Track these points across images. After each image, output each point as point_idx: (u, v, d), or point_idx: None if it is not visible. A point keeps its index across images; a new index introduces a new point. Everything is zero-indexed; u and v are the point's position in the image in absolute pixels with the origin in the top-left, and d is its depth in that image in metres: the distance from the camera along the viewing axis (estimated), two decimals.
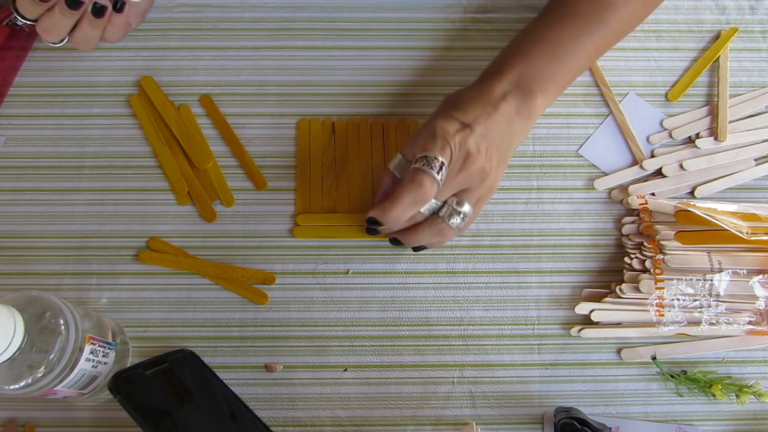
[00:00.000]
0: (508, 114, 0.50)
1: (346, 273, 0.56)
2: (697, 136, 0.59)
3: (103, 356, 0.48)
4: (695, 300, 0.54)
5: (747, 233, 0.52)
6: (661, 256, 0.54)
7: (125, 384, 0.45)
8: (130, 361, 0.53)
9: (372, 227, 0.51)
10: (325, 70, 0.61)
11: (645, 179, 0.59)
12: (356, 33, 0.62)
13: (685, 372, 0.54)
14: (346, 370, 0.54)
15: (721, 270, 0.54)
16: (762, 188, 0.59)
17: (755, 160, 0.59)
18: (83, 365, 0.46)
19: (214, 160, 0.58)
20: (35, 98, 0.60)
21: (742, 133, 0.59)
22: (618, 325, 0.55)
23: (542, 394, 0.54)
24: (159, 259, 0.56)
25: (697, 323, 0.54)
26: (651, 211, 0.56)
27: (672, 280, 0.54)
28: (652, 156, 0.59)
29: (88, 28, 0.51)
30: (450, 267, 0.56)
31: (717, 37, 0.62)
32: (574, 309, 0.55)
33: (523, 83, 0.51)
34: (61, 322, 0.45)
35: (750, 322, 0.54)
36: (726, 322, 0.54)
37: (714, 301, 0.54)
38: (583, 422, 0.48)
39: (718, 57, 0.62)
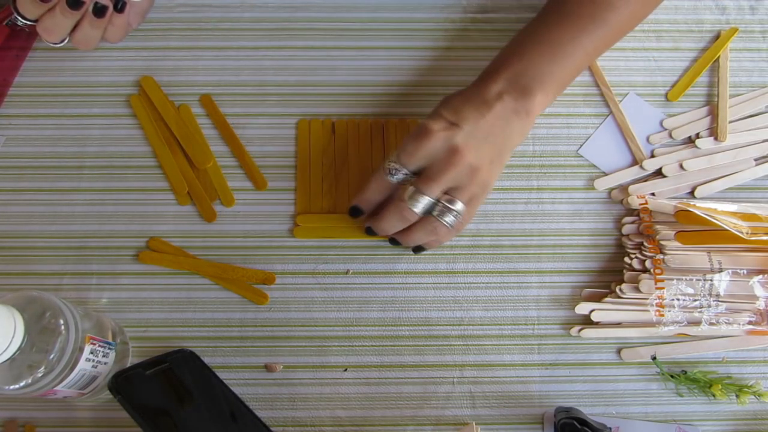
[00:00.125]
0: (503, 113, 0.50)
1: (346, 273, 0.56)
2: (697, 136, 0.59)
3: (103, 356, 0.48)
4: (695, 300, 0.54)
5: (747, 233, 0.52)
6: (661, 256, 0.54)
7: (125, 384, 0.45)
8: (130, 361, 0.53)
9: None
10: (325, 70, 0.61)
11: (645, 179, 0.59)
12: (356, 33, 0.62)
13: (685, 372, 0.54)
14: (346, 370, 0.54)
15: (721, 270, 0.54)
16: (762, 188, 0.59)
17: (755, 160, 0.59)
18: (83, 365, 0.46)
19: (214, 160, 0.58)
20: (35, 98, 0.60)
21: (742, 133, 0.59)
22: (618, 325, 0.55)
23: (542, 394, 0.54)
24: (159, 259, 0.56)
25: (697, 323, 0.54)
26: (651, 211, 0.56)
27: (672, 280, 0.54)
28: (652, 156, 0.59)
29: (88, 28, 0.51)
30: (450, 267, 0.56)
31: (717, 37, 0.62)
32: (574, 309, 0.55)
33: (520, 82, 0.51)
34: (61, 322, 0.45)
35: (750, 322, 0.54)
36: (726, 322, 0.54)
37: (714, 301, 0.54)
38: (583, 422, 0.48)
39: (718, 57, 0.62)
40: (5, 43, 0.58)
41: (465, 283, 0.56)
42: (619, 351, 0.55)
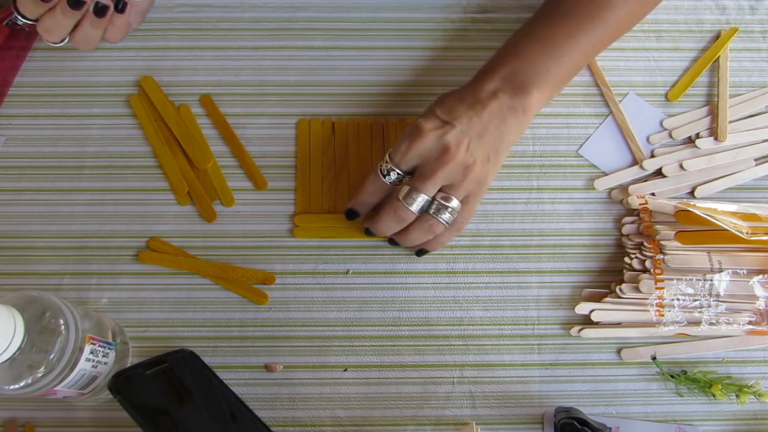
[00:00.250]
0: (498, 111, 0.50)
1: (346, 273, 0.56)
2: (697, 136, 0.59)
3: (103, 356, 0.48)
4: (695, 300, 0.54)
5: (747, 233, 0.52)
6: (661, 256, 0.54)
7: (125, 384, 0.45)
8: (130, 361, 0.53)
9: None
10: (325, 70, 0.61)
11: (645, 179, 0.59)
12: (356, 33, 0.62)
13: (685, 372, 0.54)
14: (346, 370, 0.54)
15: (721, 270, 0.54)
16: (762, 188, 0.59)
17: (755, 160, 0.59)
18: (83, 365, 0.46)
19: (214, 160, 0.58)
20: (35, 98, 0.60)
21: (742, 133, 0.59)
22: (618, 325, 0.55)
23: (542, 394, 0.54)
24: (159, 259, 0.56)
25: (697, 323, 0.54)
26: (651, 211, 0.56)
27: (672, 280, 0.54)
28: (652, 156, 0.59)
29: (89, 28, 0.51)
30: (450, 267, 0.56)
31: (717, 37, 0.62)
32: (574, 309, 0.55)
33: (516, 80, 0.51)
34: (61, 322, 0.45)
35: (750, 322, 0.54)
36: (726, 322, 0.54)
37: (714, 301, 0.54)
38: (583, 422, 0.48)
39: (718, 57, 0.62)
40: (5, 43, 0.58)
41: (465, 283, 0.56)
42: (619, 351, 0.55)
